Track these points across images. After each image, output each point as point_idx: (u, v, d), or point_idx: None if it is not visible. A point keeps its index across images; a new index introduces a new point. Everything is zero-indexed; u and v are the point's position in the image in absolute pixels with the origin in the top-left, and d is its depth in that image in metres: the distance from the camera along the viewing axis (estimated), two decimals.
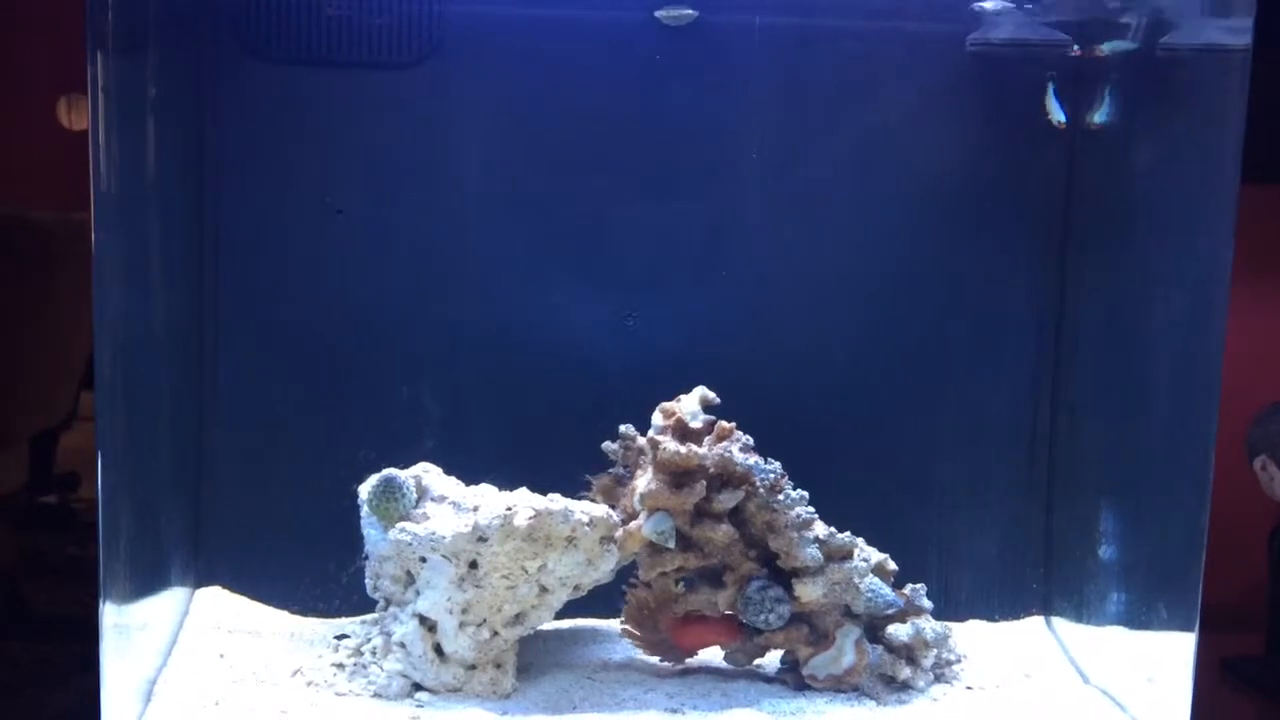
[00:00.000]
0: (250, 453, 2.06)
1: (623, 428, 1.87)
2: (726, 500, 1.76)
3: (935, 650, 1.83)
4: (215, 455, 2.06)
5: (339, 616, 2.04)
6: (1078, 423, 2.09)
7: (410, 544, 1.74)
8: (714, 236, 2.11)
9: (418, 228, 2.07)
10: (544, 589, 1.78)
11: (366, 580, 1.84)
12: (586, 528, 1.76)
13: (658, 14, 2.02)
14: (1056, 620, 2.13)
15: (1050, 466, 2.14)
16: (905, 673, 1.81)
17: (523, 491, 1.80)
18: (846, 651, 1.80)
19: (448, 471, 1.86)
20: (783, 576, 1.79)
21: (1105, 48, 1.97)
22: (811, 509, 1.78)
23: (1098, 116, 1.99)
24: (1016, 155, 2.08)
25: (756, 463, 1.78)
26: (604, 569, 1.80)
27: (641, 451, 1.84)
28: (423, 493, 1.81)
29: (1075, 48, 1.99)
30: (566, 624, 2.00)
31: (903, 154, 2.10)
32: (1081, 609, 2.04)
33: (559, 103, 2.06)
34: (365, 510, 1.81)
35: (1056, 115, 2.01)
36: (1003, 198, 2.10)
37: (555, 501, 1.76)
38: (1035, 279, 2.13)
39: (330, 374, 2.07)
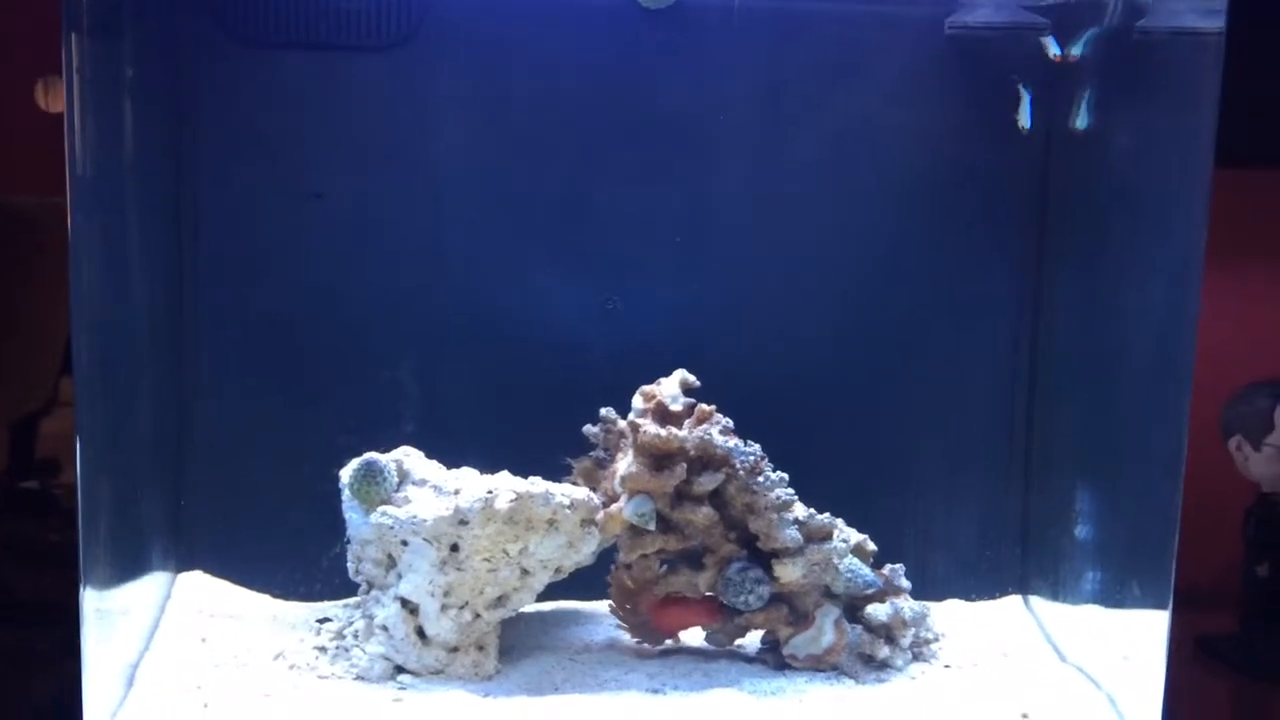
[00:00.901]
0: (231, 437, 2.06)
1: (603, 411, 1.88)
2: (707, 482, 1.77)
3: (913, 629, 1.85)
4: (196, 440, 2.05)
5: (321, 600, 2.05)
6: (1054, 405, 2.10)
7: (392, 527, 1.74)
8: (695, 221, 2.11)
9: (398, 211, 2.06)
10: (525, 571, 1.78)
11: (348, 564, 1.84)
12: (567, 510, 1.77)
13: None
14: (1033, 599, 2.15)
15: (1027, 448, 2.15)
16: (884, 652, 1.82)
17: (504, 475, 1.80)
18: (826, 631, 1.81)
19: (429, 455, 1.86)
20: (763, 558, 1.80)
21: (1078, 47, 1.98)
22: (791, 491, 1.79)
23: (1077, 120, 2.00)
24: (995, 141, 2.08)
25: (736, 445, 1.78)
26: (585, 551, 1.81)
27: (622, 434, 1.85)
28: (404, 476, 1.81)
29: (1054, 53, 2.00)
30: (548, 606, 2.01)
31: (883, 139, 2.10)
32: (1058, 588, 2.06)
33: (540, 86, 2.05)
34: (346, 494, 1.81)
35: (1024, 121, 2.02)
36: (982, 183, 2.10)
37: (536, 484, 1.76)
38: (1013, 263, 2.14)
39: (311, 358, 2.06)
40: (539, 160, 2.08)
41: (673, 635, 1.89)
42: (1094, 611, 1.93)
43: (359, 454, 1.80)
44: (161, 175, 1.99)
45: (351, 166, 2.05)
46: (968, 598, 2.16)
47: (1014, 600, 2.17)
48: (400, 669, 1.77)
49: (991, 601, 2.17)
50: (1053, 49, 2.00)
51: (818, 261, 2.13)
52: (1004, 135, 2.08)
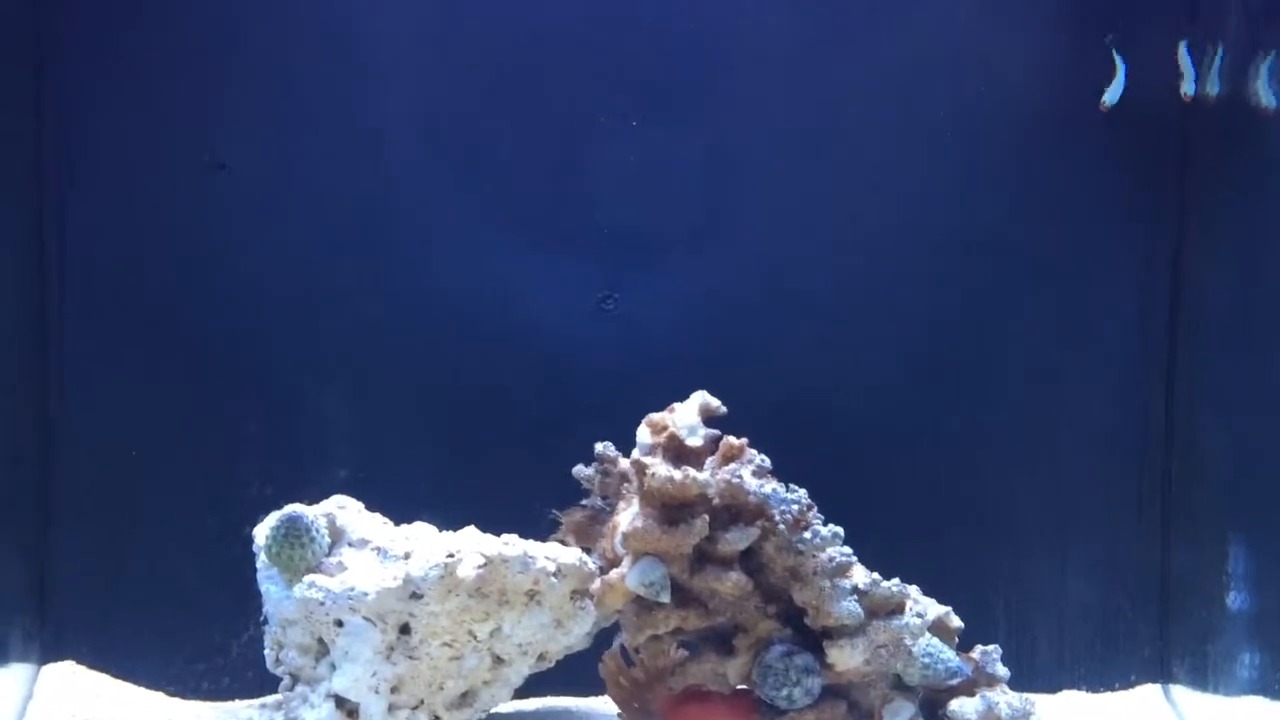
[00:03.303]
0: (109, 486, 2.08)
1: (599, 446, 1.89)
2: (736, 540, 1.77)
3: None
4: (63, 491, 2.08)
5: (230, 698, 2.07)
6: (1200, 429, 2.12)
7: (322, 603, 1.76)
8: (718, 183, 2.13)
9: (325, 183, 2.08)
10: (499, 659, 1.81)
11: (266, 651, 1.86)
12: (553, 579, 1.79)
13: None
14: (1175, 689, 2.17)
15: (1164, 488, 2.17)
16: None
17: (469, 532, 1.82)
18: None
19: (370, 507, 1.88)
20: (812, 638, 1.80)
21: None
22: (848, 550, 1.79)
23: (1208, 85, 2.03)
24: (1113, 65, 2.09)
25: (775, 491, 1.79)
26: (577, 632, 1.83)
27: (624, 477, 1.86)
28: (338, 536, 1.83)
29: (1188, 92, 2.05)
30: (530, 704, 2.04)
31: (963, 65, 2.13)
32: (1207, 674, 2.07)
33: (512, 11, 2.08)
34: (263, 560, 1.82)
35: (1109, 99, 2.05)
36: (1097, 122, 2.11)
37: (511, 545, 1.78)
38: (1143, 231, 2.15)
39: (214, 380, 2.09)
40: (513, 106, 2.10)
41: None
42: (1255, 705, 1.93)
43: (278, 507, 1.81)
44: (16, 143, 2.01)
45: (265, 127, 2.07)
46: (1088, 688, 2.19)
47: (1150, 691, 2.19)
48: None
49: (1120, 693, 2.19)
50: (1188, 81, 2.05)
51: (881, 238, 2.15)
52: (1133, 59, 2.09)
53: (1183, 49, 2.07)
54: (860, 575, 1.81)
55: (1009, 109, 2.14)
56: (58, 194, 2.05)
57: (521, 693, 1.88)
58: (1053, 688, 2.16)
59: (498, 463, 2.09)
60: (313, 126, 2.08)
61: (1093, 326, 2.17)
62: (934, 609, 1.86)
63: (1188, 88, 2.05)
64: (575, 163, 2.12)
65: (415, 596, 1.75)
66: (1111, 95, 2.05)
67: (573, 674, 1.92)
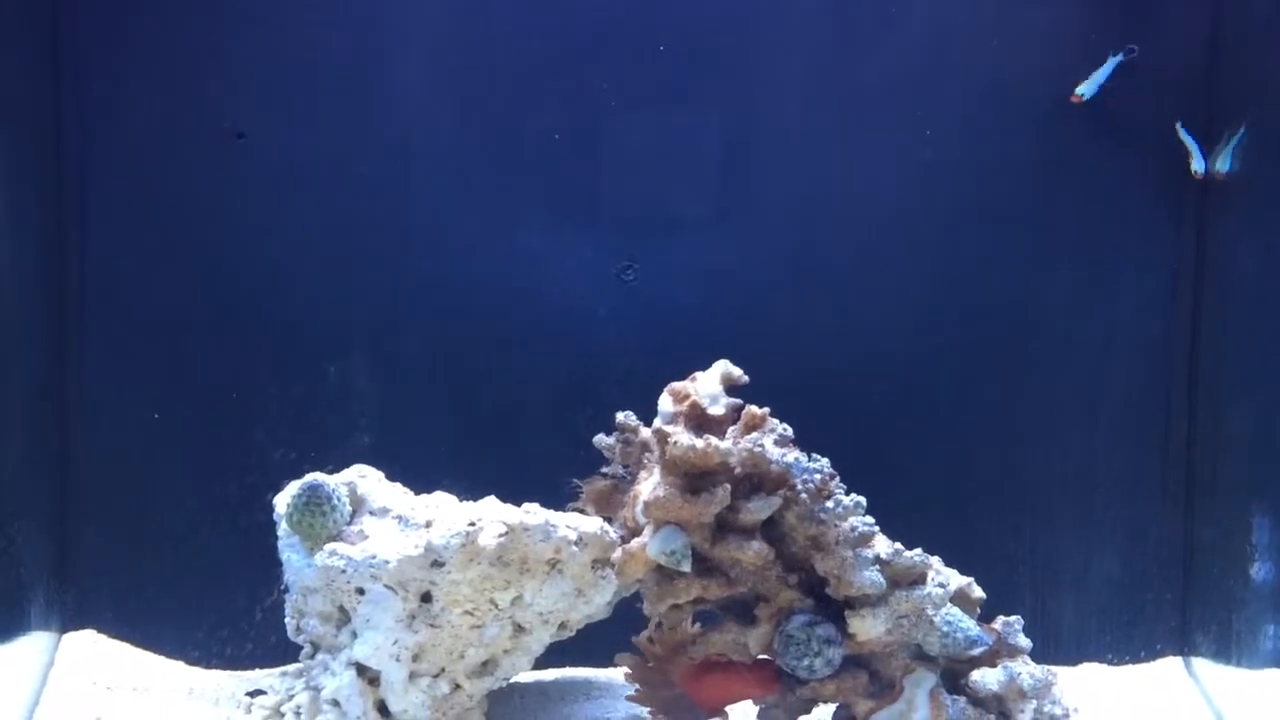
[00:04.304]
0: (129, 456, 2.10)
1: (620, 416, 1.89)
2: (758, 509, 1.77)
3: (1035, 702, 1.85)
4: (83, 459, 2.09)
5: (251, 667, 2.09)
6: (1224, 403, 2.11)
7: (343, 571, 1.77)
8: (739, 159, 2.13)
9: (346, 155, 2.09)
10: (519, 628, 1.81)
11: (287, 619, 1.87)
12: (574, 548, 1.79)
13: None
14: (1197, 661, 2.17)
15: (1187, 460, 2.17)
16: None
17: (490, 501, 1.82)
18: (918, 705, 1.82)
19: (391, 476, 1.89)
20: (833, 608, 1.80)
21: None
22: (870, 520, 1.79)
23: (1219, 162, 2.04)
24: (1140, 38, 2.09)
25: (797, 460, 1.78)
26: (598, 601, 1.83)
27: (646, 447, 1.86)
28: (358, 504, 1.84)
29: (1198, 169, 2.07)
30: (550, 674, 2.05)
31: (991, 44, 2.12)
32: (1229, 646, 2.07)
33: None
34: (284, 528, 1.83)
35: (1196, 165, 2.06)
36: (1121, 95, 2.11)
37: (533, 514, 1.79)
38: (1165, 206, 2.15)
39: (233, 349, 2.10)
40: (531, 82, 2.10)
41: (716, 712, 1.90)
42: (1278, 677, 1.94)
43: (299, 475, 1.82)
44: (35, 114, 2.02)
45: (283, 97, 2.08)
46: (1109, 660, 2.19)
47: (1171, 663, 2.19)
48: None
49: (1142, 665, 2.19)
50: (1196, 158, 2.07)
51: (901, 212, 2.15)
52: (1155, 29, 2.09)
53: (1179, 128, 2.09)
54: (882, 545, 1.80)
55: (1038, 88, 2.13)
56: (78, 166, 2.06)
57: (542, 662, 1.89)
58: (1073, 660, 2.16)
59: (519, 432, 2.09)
60: (335, 99, 2.08)
61: (1117, 302, 2.16)
62: (956, 579, 1.86)
63: (1197, 165, 2.06)
64: (596, 136, 2.12)
65: (437, 565, 1.76)
66: (1087, 88, 2.05)
67: (593, 644, 1.93)
